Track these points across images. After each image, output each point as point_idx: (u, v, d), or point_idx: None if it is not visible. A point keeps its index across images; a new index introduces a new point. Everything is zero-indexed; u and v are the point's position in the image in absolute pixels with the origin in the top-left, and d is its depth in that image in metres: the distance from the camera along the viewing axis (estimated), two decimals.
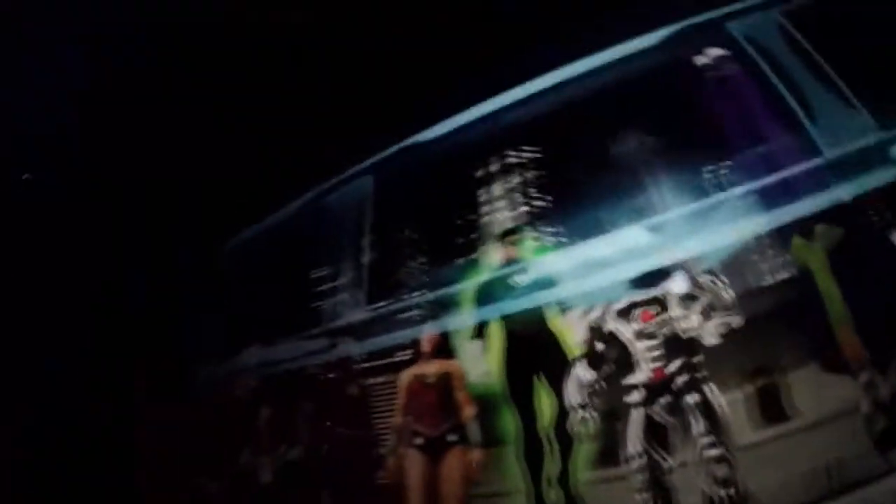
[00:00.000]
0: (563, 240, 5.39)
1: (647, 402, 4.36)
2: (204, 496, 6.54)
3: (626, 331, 4.49)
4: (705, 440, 4.13)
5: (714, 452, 4.07)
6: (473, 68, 6.15)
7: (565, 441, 4.93)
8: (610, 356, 4.53)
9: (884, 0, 5.02)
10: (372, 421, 6.01)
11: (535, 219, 5.56)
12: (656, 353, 4.37)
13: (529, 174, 5.86)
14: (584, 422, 4.49)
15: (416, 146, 6.50)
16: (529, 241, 5.50)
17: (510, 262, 5.45)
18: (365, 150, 6.83)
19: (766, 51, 5.42)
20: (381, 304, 6.04)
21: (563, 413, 4.75)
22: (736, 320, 4.27)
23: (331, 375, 6.27)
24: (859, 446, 4.27)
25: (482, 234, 5.64)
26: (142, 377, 7.06)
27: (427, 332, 5.46)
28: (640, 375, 4.39)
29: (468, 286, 5.58)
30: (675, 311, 4.38)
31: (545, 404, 5.08)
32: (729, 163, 5.09)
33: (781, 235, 4.73)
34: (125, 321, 7.20)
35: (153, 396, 6.98)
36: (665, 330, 4.38)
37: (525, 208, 5.60)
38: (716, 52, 5.56)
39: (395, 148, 6.66)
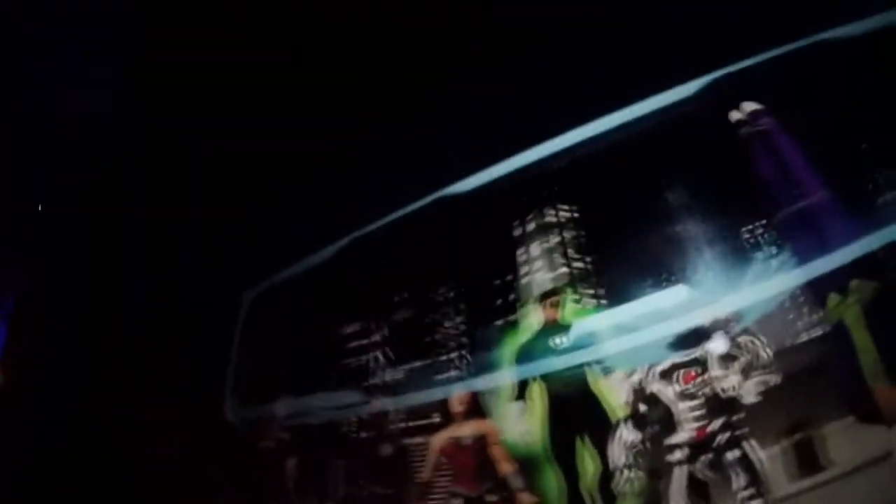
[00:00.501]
0: (603, 301, 5.39)
1: (690, 460, 4.58)
2: None
3: (668, 392, 4.74)
4: (745, 493, 4.34)
5: None
6: (509, 117, 6.35)
7: (609, 501, 5.07)
8: (653, 417, 4.77)
9: None
10: (405, 480, 6.04)
11: (575, 280, 5.59)
12: (698, 412, 4.62)
13: (568, 233, 5.89)
14: (630, 482, 4.68)
15: (452, 198, 6.58)
16: (570, 303, 5.66)
17: (550, 323, 5.63)
18: (399, 199, 6.85)
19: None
20: (417, 363, 5.99)
21: (606, 472, 4.97)
22: (774, 378, 4.54)
23: (364, 433, 6.25)
24: (893, 492, 4.42)
25: (521, 295, 5.68)
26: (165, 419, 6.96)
27: (457, 393, 5.67)
28: (683, 435, 4.63)
29: (508, 347, 5.75)
30: (715, 371, 4.63)
31: (588, 464, 5.28)
32: (764, 219, 5.16)
33: (816, 293, 4.95)
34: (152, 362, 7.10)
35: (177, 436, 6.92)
36: (706, 390, 4.64)
37: (564, 269, 5.62)
38: (750, 106, 5.66)
39: (430, 199, 6.72)
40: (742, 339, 4.66)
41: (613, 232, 5.69)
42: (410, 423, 6.04)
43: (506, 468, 5.31)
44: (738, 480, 4.41)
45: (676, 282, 5.25)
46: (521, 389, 5.59)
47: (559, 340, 5.50)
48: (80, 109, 6.83)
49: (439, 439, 5.58)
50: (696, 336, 4.77)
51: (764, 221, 5.20)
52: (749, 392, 4.55)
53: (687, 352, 4.76)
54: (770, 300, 4.91)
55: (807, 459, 4.84)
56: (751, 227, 5.22)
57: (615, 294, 5.49)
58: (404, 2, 6.66)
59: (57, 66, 6.84)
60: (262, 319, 7.56)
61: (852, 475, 4.63)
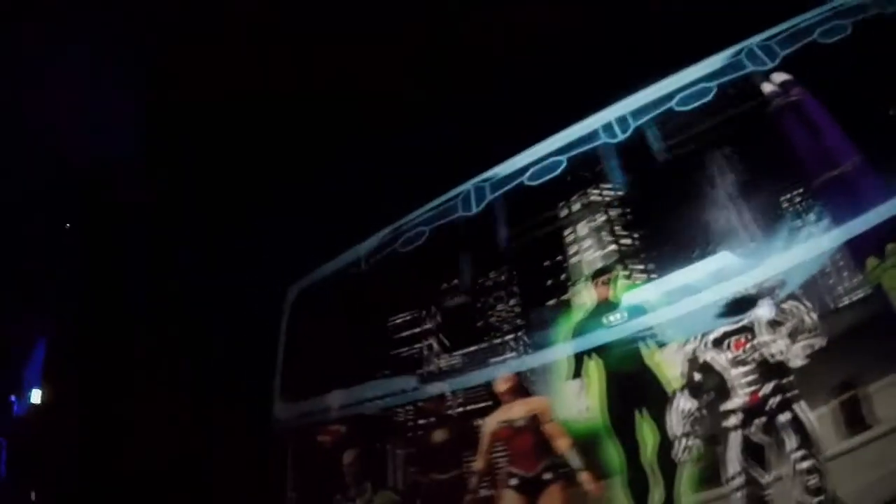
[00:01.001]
0: (654, 275, 5.73)
1: (745, 424, 4.85)
2: None
3: (721, 359, 5.01)
4: (798, 454, 4.62)
5: (806, 464, 4.56)
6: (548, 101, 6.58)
7: (668, 470, 5.36)
8: (708, 385, 5.04)
9: None
10: (462, 465, 6.23)
11: (624, 256, 5.79)
12: (750, 378, 4.88)
13: (614, 211, 6.09)
14: (688, 449, 4.95)
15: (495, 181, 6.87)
16: (621, 279, 5.88)
17: (603, 301, 5.84)
18: (440, 185, 7.15)
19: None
20: (472, 347, 6.20)
21: (664, 443, 5.24)
22: (819, 341, 4.78)
23: (421, 420, 6.58)
24: None
25: (572, 275, 5.88)
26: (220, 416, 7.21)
27: (500, 375, 5.79)
28: (737, 400, 4.89)
29: (563, 327, 5.97)
30: (763, 336, 4.90)
31: (648, 436, 5.51)
32: (801, 187, 5.55)
33: (855, 257, 5.23)
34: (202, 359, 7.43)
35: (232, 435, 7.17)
36: (755, 355, 4.89)
37: (613, 246, 5.83)
38: (781, 76, 5.95)
39: (472, 182, 6.97)
40: (787, 305, 4.93)
41: (658, 207, 5.89)
42: (469, 407, 6.18)
43: (563, 444, 5.43)
44: (791, 442, 4.69)
45: (720, 250, 5.44)
46: (578, 367, 5.80)
47: (613, 317, 5.71)
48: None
49: (491, 423, 5.73)
50: (744, 303, 5.04)
51: (801, 189, 5.37)
52: (796, 356, 4.80)
53: (735, 319, 5.02)
54: (811, 265, 5.15)
55: (854, 418, 5.08)
56: (789, 194, 5.40)
57: (664, 267, 5.70)
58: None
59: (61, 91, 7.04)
60: (309, 313, 7.80)
61: None
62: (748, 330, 4.98)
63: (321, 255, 7.84)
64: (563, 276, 6.05)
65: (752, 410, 4.84)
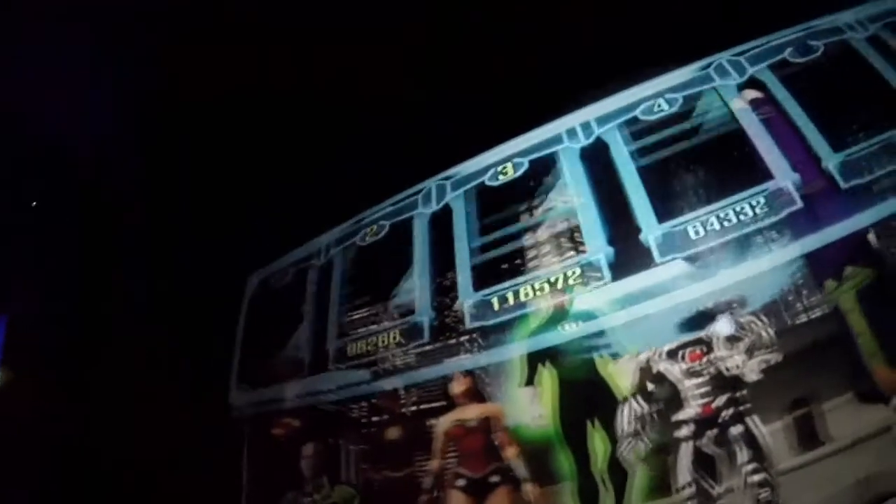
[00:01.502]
0: (611, 283, 5.62)
1: (696, 435, 4.95)
2: None
3: (675, 370, 5.12)
4: (749, 467, 4.74)
5: (758, 478, 4.69)
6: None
7: (619, 479, 5.28)
8: (660, 394, 5.15)
9: None
10: (414, 464, 6.15)
11: (583, 265, 5.74)
12: (704, 390, 4.99)
13: (575, 219, 6.03)
14: (637, 448, 5.11)
15: (457, 179, 6.87)
16: (578, 288, 5.80)
17: (559, 309, 5.81)
18: (400, 181, 7.17)
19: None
20: (427, 346, 6.17)
21: (615, 453, 5.27)
22: (775, 357, 4.91)
23: (375, 417, 6.51)
24: (891, 463, 4.61)
25: (529, 280, 5.83)
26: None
27: (456, 377, 5.92)
28: (690, 411, 5.01)
29: (518, 332, 5.92)
30: (720, 351, 5.00)
31: (599, 447, 5.44)
32: (762, 200, 5.43)
33: (814, 279, 5.15)
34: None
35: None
36: (711, 369, 5.00)
37: (572, 253, 5.79)
38: (751, 94, 5.96)
39: (433, 180, 6.97)
40: (746, 321, 5.02)
41: (619, 214, 5.85)
42: (422, 406, 6.16)
43: (510, 453, 5.54)
44: (742, 455, 4.79)
45: (676, 258, 5.47)
46: (532, 375, 5.77)
47: (568, 326, 5.70)
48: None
49: (445, 422, 5.82)
50: (703, 318, 5.13)
51: (762, 202, 5.38)
52: (752, 370, 4.91)
53: (693, 333, 5.11)
54: (771, 283, 5.18)
55: (807, 434, 5.02)
56: (750, 207, 5.40)
57: (622, 275, 5.65)
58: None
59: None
60: (268, 302, 7.74)
61: (852, 448, 4.82)
62: (704, 343, 5.06)
63: (284, 244, 7.79)
64: (521, 281, 5.97)
65: (704, 422, 4.92)
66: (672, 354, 5.12)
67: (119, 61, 6.70)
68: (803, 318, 5.08)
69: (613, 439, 5.26)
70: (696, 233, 5.48)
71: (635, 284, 5.54)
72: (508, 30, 6.49)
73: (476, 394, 5.84)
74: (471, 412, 5.72)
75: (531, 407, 5.71)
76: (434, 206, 6.79)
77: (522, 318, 5.89)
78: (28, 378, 7.42)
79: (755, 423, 4.86)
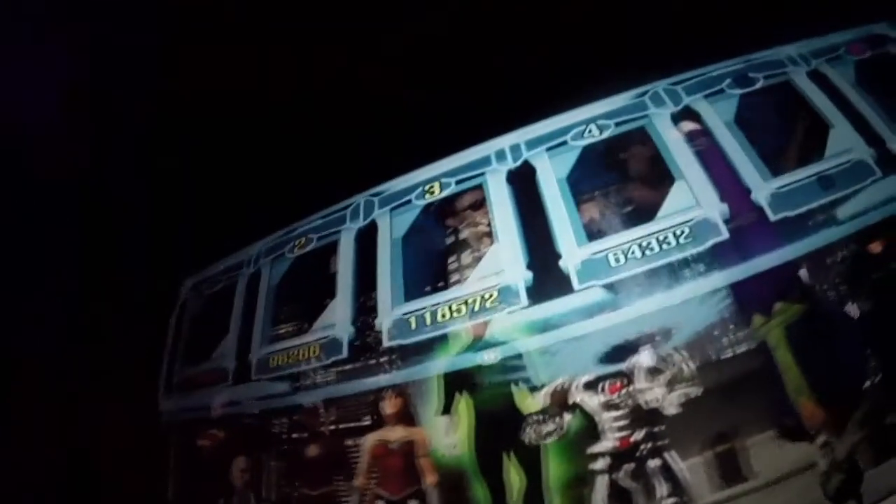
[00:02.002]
0: (528, 308, 5.50)
1: (613, 469, 4.87)
2: None
3: (592, 402, 5.01)
4: (668, 501, 4.70)
5: None
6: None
7: None
8: (575, 424, 5.08)
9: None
10: (332, 482, 6.03)
11: (500, 289, 5.61)
12: (622, 422, 4.91)
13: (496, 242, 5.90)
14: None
15: (385, 196, 6.73)
16: (500, 315, 5.61)
17: (479, 337, 5.64)
18: (330, 197, 7.02)
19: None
20: (347, 366, 6.04)
21: (531, 488, 5.18)
22: (695, 391, 4.83)
23: (295, 434, 6.34)
24: (816, 499, 4.64)
25: (452, 304, 5.69)
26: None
27: (389, 396, 5.83)
28: (607, 444, 4.92)
29: (436, 358, 5.76)
30: (641, 384, 4.92)
31: (514, 480, 5.32)
32: (685, 225, 5.35)
33: (742, 313, 5.08)
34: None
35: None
36: (630, 401, 4.92)
37: (495, 279, 5.63)
38: (688, 125, 5.89)
39: (362, 196, 6.83)
40: (667, 354, 4.93)
41: (541, 239, 5.72)
42: (341, 426, 6.03)
43: (430, 480, 5.50)
44: (661, 489, 4.72)
45: (594, 285, 5.35)
46: (449, 403, 5.65)
47: (486, 356, 5.53)
48: None
49: (370, 439, 5.78)
50: (624, 350, 5.03)
51: (687, 231, 5.29)
52: (671, 404, 4.81)
53: (614, 365, 5.01)
54: (697, 316, 5.07)
55: (730, 469, 4.95)
56: (672, 235, 5.30)
57: (542, 300, 5.51)
58: None
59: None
60: (198, 307, 7.58)
61: (776, 484, 4.81)
62: (625, 375, 4.96)
63: (219, 250, 7.60)
64: (439, 301, 5.83)
65: (621, 455, 4.84)
66: (591, 386, 5.01)
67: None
68: (729, 353, 4.99)
69: (529, 474, 5.16)
70: (617, 261, 5.34)
71: (552, 310, 5.40)
72: (450, 48, 6.39)
73: (406, 416, 5.76)
74: (396, 433, 5.68)
75: (447, 436, 5.59)
76: (361, 222, 6.64)
77: (441, 341, 5.73)
78: None
79: (673, 457, 4.79)
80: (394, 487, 5.58)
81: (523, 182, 6.08)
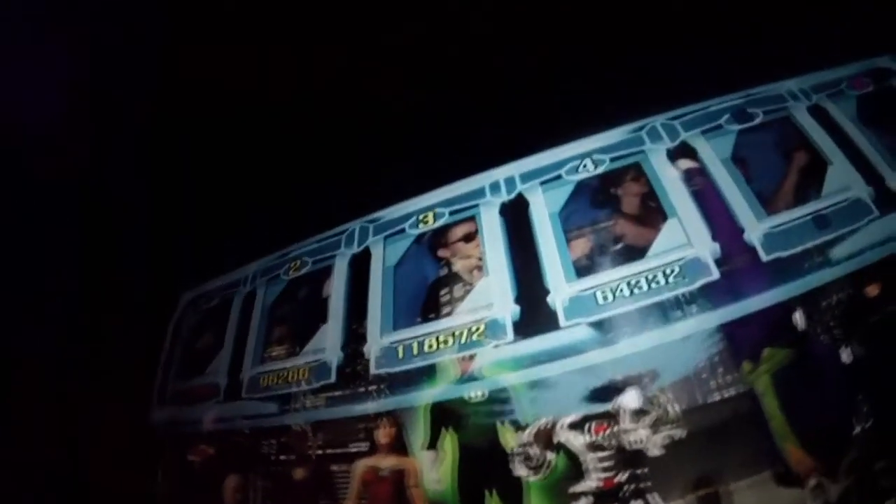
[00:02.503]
0: (514, 343, 5.44)
1: None
2: None
3: (577, 442, 4.95)
4: None
5: None
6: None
7: None
8: (560, 465, 5.01)
9: None
10: None
11: (487, 323, 5.56)
12: (607, 463, 4.85)
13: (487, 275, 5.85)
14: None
15: (380, 223, 6.69)
16: (488, 351, 5.53)
17: (465, 373, 5.57)
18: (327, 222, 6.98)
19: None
20: (336, 392, 6.00)
21: None
22: (679, 433, 4.78)
23: (283, 456, 6.29)
24: None
25: (441, 337, 5.64)
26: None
27: (384, 426, 5.75)
28: (590, 484, 4.86)
29: (424, 391, 5.70)
30: (626, 425, 4.85)
31: None
32: (675, 264, 5.26)
33: (731, 360, 4.97)
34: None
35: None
36: (613, 442, 4.86)
37: (486, 313, 5.58)
38: (686, 163, 5.81)
39: (358, 222, 6.80)
40: (653, 395, 4.86)
41: (530, 273, 5.65)
42: (328, 451, 5.98)
43: None
44: None
45: (581, 322, 5.27)
46: (434, 438, 5.58)
47: (473, 394, 5.47)
48: None
49: (361, 465, 5.73)
50: (611, 390, 4.95)
51: (677, 270, 5.21)
52: (655, 445, 4.75)
53: (600, 405, 4.94)
54: (686, 360, 4.98)
55: None
56: (662, 274, 5.23)
57: (526, 337, 5.44)
58: None
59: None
60: (194, 322, 7.60)
61: None
62: (611, 416, 4.89)
63: (216, 266, 7.62)
64: (427, 332, 5.78)
65: (604, 495, 4.78)
66: (576, 426, 4.95)
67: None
68: (716, 397, 4.90)
69: None
70: (605, 298, 5.26)
71: (538, 346, 5.33)
72: (450, 76, 6.41)
73: (399, 445, 5.68)
74: (387, 461, 5.62)
75: (431, 471, 5.53)
76: (355, 248, 6.61)
77: (429, 373, 5.67)
78: None
79: (656, 499, 4.72)
80: None
81: (516, 215, 6.02)
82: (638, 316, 5.19)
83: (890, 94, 5.76)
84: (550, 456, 5.01)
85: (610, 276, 5.40)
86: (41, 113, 6.69)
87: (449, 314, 5.84)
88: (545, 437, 5.03)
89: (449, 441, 5.54)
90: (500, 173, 6.27)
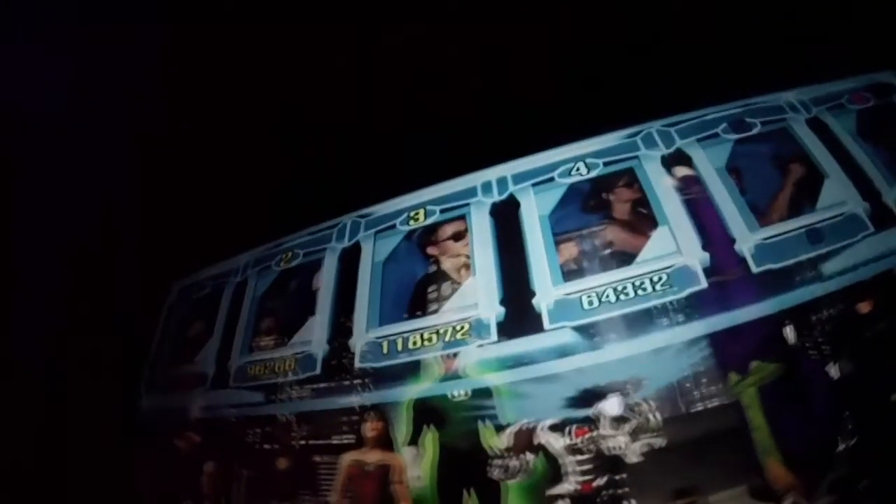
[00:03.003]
0: (498, 344, 5.44)
1: None
2: None
3: (557, 444, 4.95)
4: None
5: None
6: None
7: None
8: (538, 466, 5.01)
9: None
10: (298, 498, 5.97)
11: (472, 323, 5.54)
12: (586, 467, 4.85)
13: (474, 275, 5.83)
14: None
15: (372, 219, 6.69)
16: (472, 350, 5.53)
17: (450, 372, 5.56)
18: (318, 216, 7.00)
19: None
20: (321, 384, 6.00)
21: None
22: (659, 442, 4.77)
23: (267, 446, 6.28)
24: None
25: (426, 335, 5.62)
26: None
27: (371, 420, 5.75)
28: (568, 487, 4.86)
29: (407, 388, 5.69)
30: (605, 430, 4.85)
31: None
32: (663, 272, 5.25)
33: (718, 371, 4.94)
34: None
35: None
36: (592, 447, 4.86)
37: (472, 312, 5.56)
38: (682, 171, 5.77)
39: (350, 216, 6.80)
40: (635, 403, 4.84)
41: (517, 275, 5.64)
42: (311, 442, 5.97)
43: None
44: None
45: (565, 326, 5.26)
46: (416, 435, 5.57)
47: (457, 392, 5.47)
48: None
49: (346, 458, 5.72)
50: (593, 395, 4.94)
51: (665, 278, 5.18)
52: (633, 452, 4.74)
53: (581, 409, 4.93)
54: (670, 369, 4.96)
55: None
56: (649, 281, 5.20)
57: (509, 338, 5.45)
58: None
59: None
60: (184, 311, 7.60)
61: None
62: (592, 421, 4.88)
63: (208, 256, 7.63)
64: (412, 329, 5.77)
65: (582, 499, 4.78)
66: (556, 428, 4.95)
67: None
68: (699, 407, 4.87)
69: None
70: (590, 303, 5.25)
71: (521, 348, 5.32)
72: (445, 75, 6.41)
73: (385, 440, 5.67)
74: (372, 456, 5.61)
75: (411, 468, 5.51)
76: (346, 243, 6.61)
77: (413, 369, 5.67)
78: None
79: None
80: None
81: (506, 216, 6.00)
82: (624, 322, 5.17)
83: (890, 110, 5.73)
84: (530, 457, 5.04)
85: (597, 281, 5.39)
86: (40, 111, 6.73)
87: (435, 312, 5.83)
88: (526, 439, 5.03)
89: (430, 438, 5.52)
90: (492, 174, 6.26)
